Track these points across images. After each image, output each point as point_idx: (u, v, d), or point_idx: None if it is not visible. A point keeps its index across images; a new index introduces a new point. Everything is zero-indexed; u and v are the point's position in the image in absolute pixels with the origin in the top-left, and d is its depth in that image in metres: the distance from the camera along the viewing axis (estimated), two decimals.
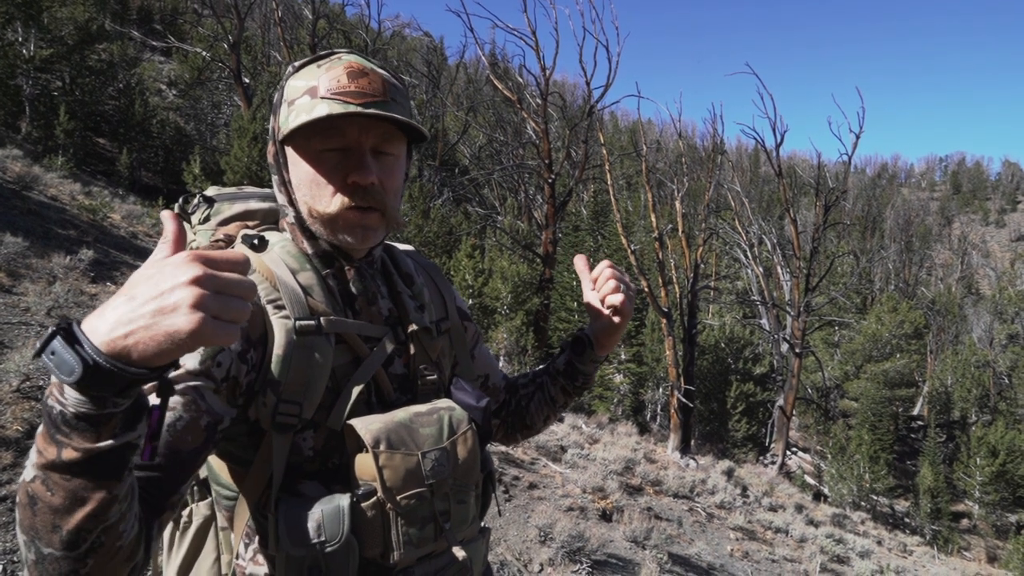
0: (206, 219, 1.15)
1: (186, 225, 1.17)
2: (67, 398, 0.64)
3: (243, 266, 0.68)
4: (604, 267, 1.22)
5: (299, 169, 1.00)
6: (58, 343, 0.63)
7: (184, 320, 0.61)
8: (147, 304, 0.62)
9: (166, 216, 0.71)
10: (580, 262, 1.26)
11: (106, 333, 0.63)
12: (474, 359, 1.27)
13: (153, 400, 0.72)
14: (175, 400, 0.84)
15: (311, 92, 0.96)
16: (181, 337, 0.62)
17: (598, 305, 1.22)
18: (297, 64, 1.03)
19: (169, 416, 0.82)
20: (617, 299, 1.18)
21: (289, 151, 1.01)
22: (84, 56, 18.94)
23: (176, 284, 0.63)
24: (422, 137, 1.06)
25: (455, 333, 1.20)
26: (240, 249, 1.01)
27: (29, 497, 0.69)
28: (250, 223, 1.15)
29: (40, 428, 0.68)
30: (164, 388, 0.71)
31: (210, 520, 1.09)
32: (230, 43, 20.58)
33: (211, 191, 1.18)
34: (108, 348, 0.62)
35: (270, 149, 1.05)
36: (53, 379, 0.65)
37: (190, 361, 0.86)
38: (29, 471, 0.69)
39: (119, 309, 0.63)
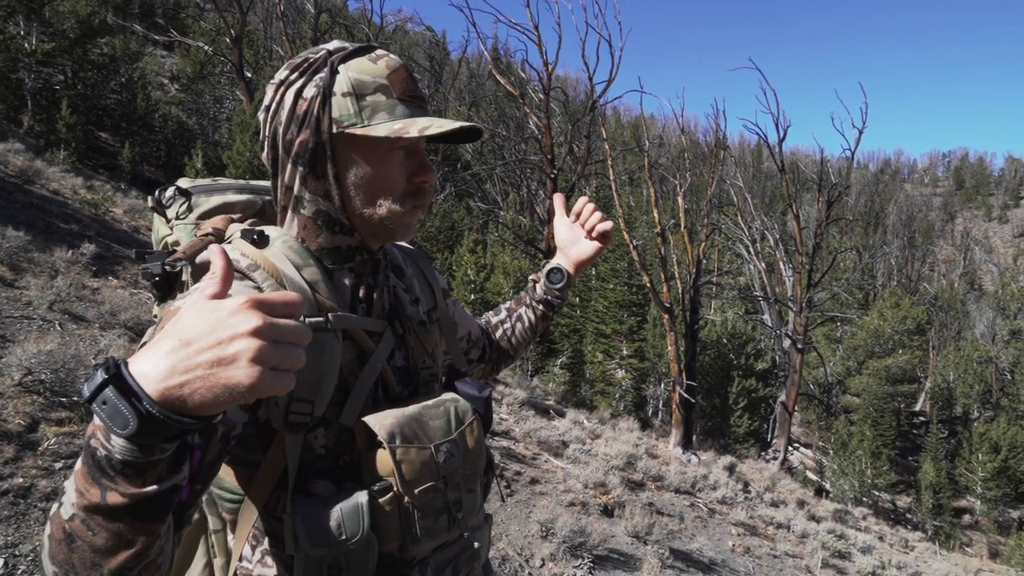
0: (185, 212, 1.11)
1: (159, 219, 1.13)
2: (113, 445, 0.63)
3: (299, 308, 0.67)
4: (585, 201, 1.38)
5: (362, 168, 0.97)
6: (111, 392, 0.61)
7: (244, 374, 0.60)
8: (204, 353, 0.61)
9: (214, 251, 0.68)
10: (559, 199, 1.42)
11: (159, 381, 0.61)
12: (456, 327, 1.30)
13: (195, 439, 0.72)
14: None
15: (384, 91, 0.95)
16: (240, 391, 0.60)
17: (576, 234, 1.40)
18: (337, 52, 0.97)
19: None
20: (608, 225, 1.36)
21: (346, 146, 0.97)
22: (86, 50, 18.89)
23: (236, 334, 0.61)
24: (474, 138, 1.05)
25: (444, 321, 1.21)
26: (240, 244, 0.98)
27: (66, 534, 0.67)
28: (233, 216, 1.11)
29: (79, 466, 0.66)
30: (208, 429, 0.71)
31: (201, 523, 1.07)
32: (232, 37, 20.54)
33: (184, 183, 1.14)
34: (161, 397, 0.61)
35: (304, 139, 0.96)
36: (98, 422, 0.63)
37: None
38: (68, 509, 0.67)
39: (173, 356, 0.61)
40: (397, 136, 0.92)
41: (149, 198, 1.13)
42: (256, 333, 0.61)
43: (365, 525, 0.91)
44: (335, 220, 1.01)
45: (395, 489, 0.94)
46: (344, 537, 0.90)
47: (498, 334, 1.46)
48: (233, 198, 1.13)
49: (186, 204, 1.11)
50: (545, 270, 1.43)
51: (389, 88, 0.95)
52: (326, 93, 0.95)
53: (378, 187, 0.98)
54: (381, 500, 0.93)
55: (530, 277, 1.48)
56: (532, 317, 1.45)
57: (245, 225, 1.07)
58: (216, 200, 1.12)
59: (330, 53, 0.98)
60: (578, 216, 1.40)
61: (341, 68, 0.96)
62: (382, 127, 0.94)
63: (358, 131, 0.94)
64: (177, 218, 1.11)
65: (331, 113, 0.95)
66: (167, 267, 0.96)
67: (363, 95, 0.94)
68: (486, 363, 1.45)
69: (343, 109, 0.94)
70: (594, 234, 1.37)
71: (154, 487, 0.65)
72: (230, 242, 1.02)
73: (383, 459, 0.94)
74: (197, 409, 0.61)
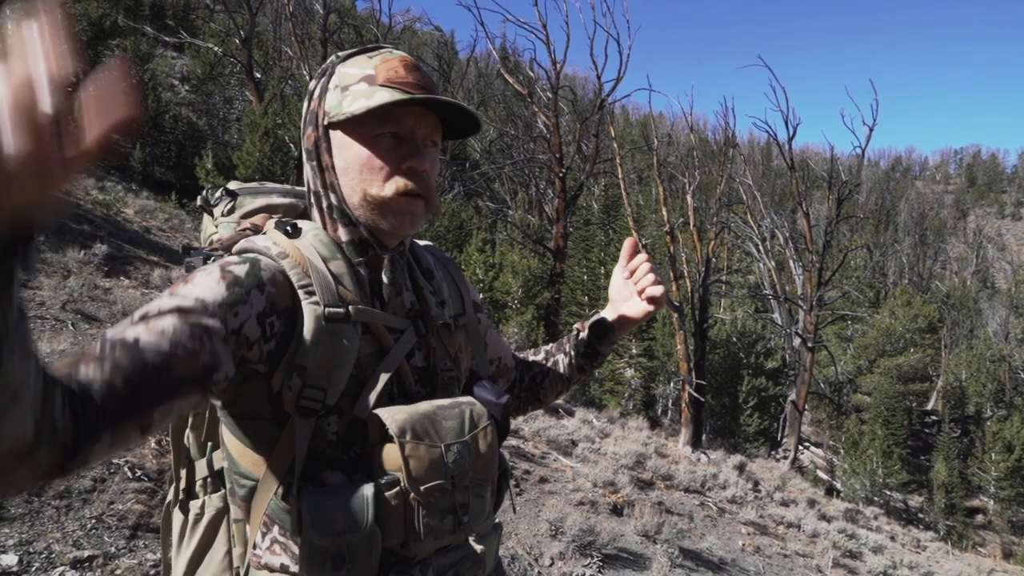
0: (229, 211, 1.17)
1: (208, 218, 1.21)
2: None
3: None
4: (643, 260, 1.34)
5: (349, 153, 1.02)
6: None
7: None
8: None
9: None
10: (629, 244, 1.39)
11: None
12: (487, 346, 1.30)
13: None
14: (182, 330, 0.83)
15: (368, 80, 0.99)
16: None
17: (629, 291, 1.36)
18: (343, 54, 1.05)
19: (174, 337, 0.82)
20: (659, 290, 1.32)
21: (336, 135, 1.03)
22: (97, 52, 19.04)
23: None
24: (472, 130, 1.08)
25: (471, 328, 1.22)
26: (273, 234, 1.03)
27: None
28: (273, 216, 1.15)
29: None
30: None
31: (223, 513, 1.10)
32: (242, 38, 20.65)
33: (233, 185, 1.21)
34: None
35: (309, 134, 1.06)
36: None
37: (210, 301, 0.88)
38: None
39: None
40: (365, 111, 0.96)
41: (198, 197, 1.21)
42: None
43: (370, 517, 0.92)
44: (343, 212, 1.05)
45: (402, 484, 0.94)
46: (348, 528, 0.91)
47: (531, 373, 1.43)
48: (277, 200, 1.19)
49: (231, 204, 1.17)
50: (590, 321, 1.40)
51: (373, 77, 0.99)
52: (323, 90, 1.04)
53: (364, 173, 1.01)
54: (387, 494, 0.94)
55: (575, 326, 1.45)
56: (566, 366, 1.42)
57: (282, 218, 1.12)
58: (261, 201, 1.18)
59: (339, 57, 1.05)
60: (632, 273, 1.36)
61: (339, 67, 1.04)
62: (351, 106, 0.99)
63: (337, 117, 1.01)
64: (223, 216, 1.17)
65: (325, 107, 1.02)
66: (208, 257, 1.04)
67: (348, 86, 1.00)
68: (514, 398, 1.42)
69: (332, 101, 1.02)
70: (643, 296, 1.33)
71: None
72: (266, 235, 1.07)
73: (391, 453, 0.95)
74: None
